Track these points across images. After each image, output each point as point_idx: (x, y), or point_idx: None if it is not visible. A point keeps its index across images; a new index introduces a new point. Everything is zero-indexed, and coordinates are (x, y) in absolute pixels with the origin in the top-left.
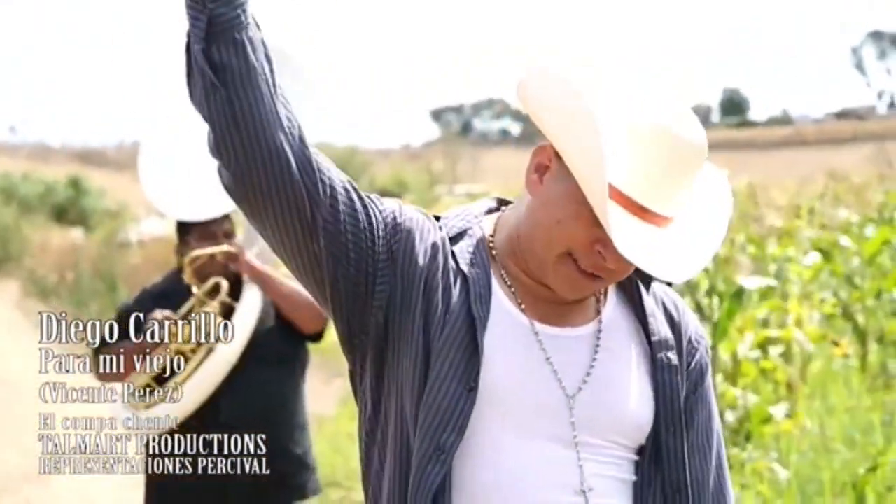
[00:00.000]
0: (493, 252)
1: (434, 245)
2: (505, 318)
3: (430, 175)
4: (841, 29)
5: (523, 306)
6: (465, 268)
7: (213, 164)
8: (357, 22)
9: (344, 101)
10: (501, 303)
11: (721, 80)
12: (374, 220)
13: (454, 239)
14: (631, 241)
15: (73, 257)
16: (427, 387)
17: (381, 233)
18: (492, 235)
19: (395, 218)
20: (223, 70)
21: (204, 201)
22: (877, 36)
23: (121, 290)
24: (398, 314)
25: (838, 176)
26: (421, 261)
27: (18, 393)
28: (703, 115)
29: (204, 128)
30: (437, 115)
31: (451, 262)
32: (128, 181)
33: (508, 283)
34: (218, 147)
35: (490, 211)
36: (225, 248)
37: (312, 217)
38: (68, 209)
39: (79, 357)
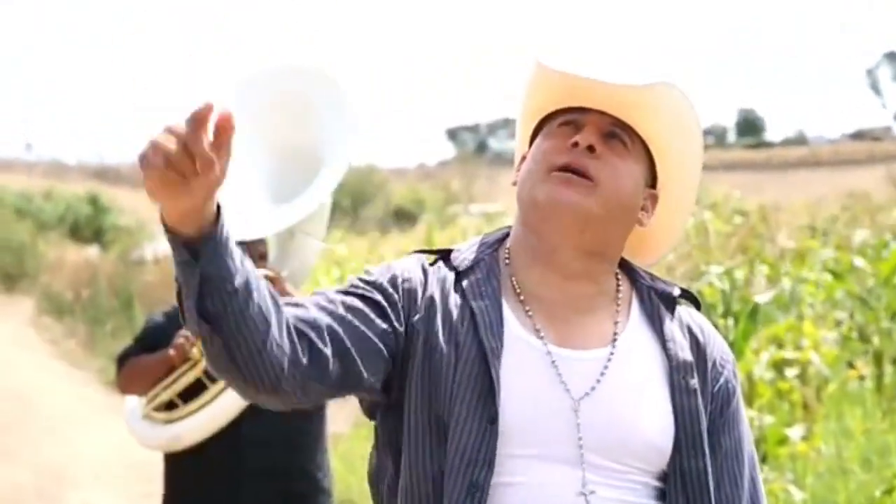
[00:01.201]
0: (508, 261)
1: (430, 297)
2: (518, 346)
3: (446, 194)
4: (841, 29)
5: (538, 327)
6: (473, 303)
7: (248, 185)
8: (357, 22)
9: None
10: (514, 330)
11: (737, 101)
12: (391, 332)
13: (466, 272)
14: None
15: (89, 274)
16: (450, 430)
17: (399, 324)
18: (507, 248)
19: (396, 292)
20: (217, 319)
21: (245, 222)
22: (892, 57)
23: (136, 308)
24: (407, 368)
25: (854, 197)
26: (421, 313)
27: (33, 408)
28: (719, 135)
29: (239, 149)
30: (453, 134)
31: (456, 300)
32: (144, 198)
33: (522, 297)
34: (218, 372)
35: (508, 236)
36: (263, 271)
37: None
38: (84, 226)
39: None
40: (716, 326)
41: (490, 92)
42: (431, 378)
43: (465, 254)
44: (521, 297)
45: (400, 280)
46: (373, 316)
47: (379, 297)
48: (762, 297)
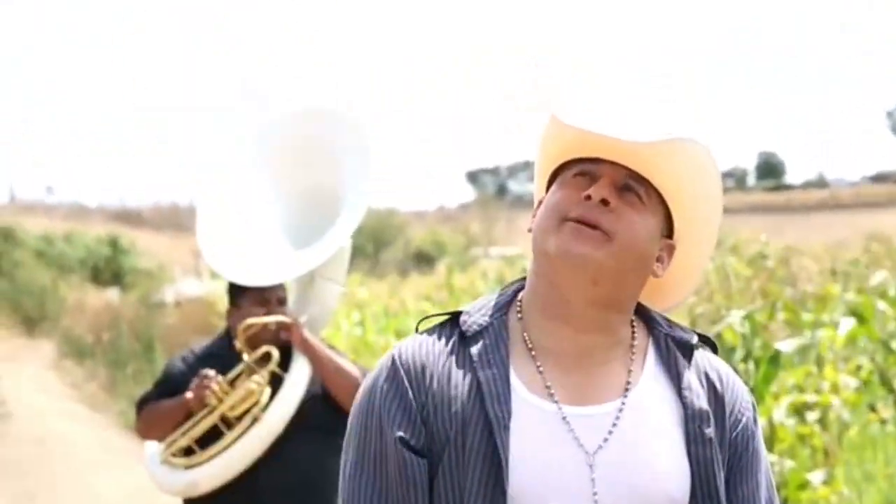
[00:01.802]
0: (520, 315)
1: (434, 391)
2: (528, 411)
3: (466, 237)
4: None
5: (549, 386)
6: (480, 373)
7: (267, 230)
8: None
9: (381, 161)
10: (523, 395)
11: (757, 143)
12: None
13: (473, 337)
14: (582, 116)
15: (110, 317)
16: (465, 502)
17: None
18: (519, 301)
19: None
20: None
21: (262, 267)
22: None
23: (157, 351)
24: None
25: (875, 239)
26: (431, 411)
27: (53, 452)
28: (740, 178)
29: (260, 192)
30: (473, 176)
31: (461, 374)
32: (164, 241)
33: (533, 353)
34: None
35: (520, 290)
36: (281, 318)
37: None
38: (105, 269)
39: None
40: (736, 371)
41: (510, 133)
42: (449, 456)
43: (474, 317)
44: (533, 353)
45: (417, 421)
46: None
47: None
48: (783, 343)
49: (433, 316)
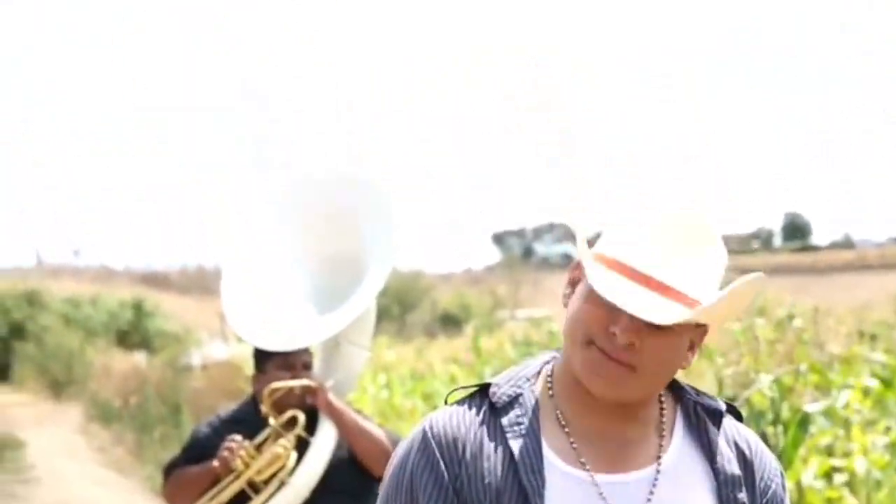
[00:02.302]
0: (552, 391)
1: (468, 462)
2: (562, 480)
3: (493, 299)
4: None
5: (582, 458)
6: (512, 443)
7: (292, 294)
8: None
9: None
10: (557, 465)
11: (783, 204)
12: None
13: (504, 408)
14: (612, 285)
15: (137, 381)
16: None
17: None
18: (550, 376)
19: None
20: None
21: (288, 332)
22: None
23: (184, 415)
24: None
25: None
26: (465, 482)
27: None
28: (766, 239)
29: (284, 257)
30: (499, 238)
31: (493, 445)
32: (191, 304)
33: (566, 429)
34: None
35: (548, 363)
36: (306, 382)
37: None
38: (131, 332)
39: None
40: (765, 435)
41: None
42: None
43: (503, 388)
44: (566, 429)
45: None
46: None
47: None
48: (811, 406)
49: (462, 388)
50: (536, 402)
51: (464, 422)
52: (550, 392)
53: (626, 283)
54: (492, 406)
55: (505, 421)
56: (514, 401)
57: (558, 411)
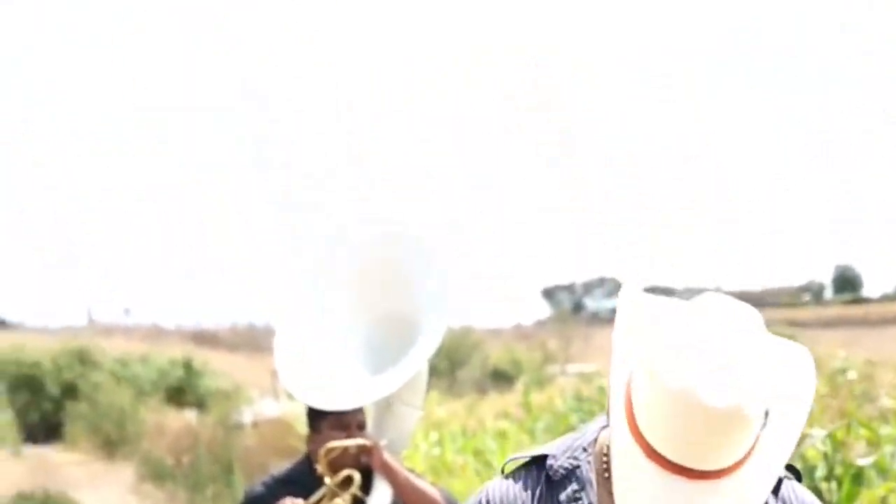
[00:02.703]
0: (607, 474)
1: None
2: None
3: (543, 354)
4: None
5: None
6: None
7: (344, 354)
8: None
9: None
10: None
11: (834, 256)
12: None
13: (561, 482)
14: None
15: (189, 440)
16: None
17: None
18: (605, 454)
19: None
20: None
21: (341, 392)
22: None
23: (236, 473)
24: None
25: None
26: None
27: None
28: (816, 292)
29: (337, 316)
30: (549, 293)
31: None
32: (241, 362)
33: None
34: None
35: (604, 427)
36: (361, 441)
37: None
38: (183, 391)
39: None
40: (819, 490)
41: (587, 251)
42: None
43: (560, 461)
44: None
45: None
46: None
47: None
48: (864, 459)
49: (518, 457)
50: (593, 473)
51: (520, 496)
52: (606, 473)
53: (676, 483)
54: (548, 479)
55: (563, 497)
56: (570, 474)
57: (613, 481)
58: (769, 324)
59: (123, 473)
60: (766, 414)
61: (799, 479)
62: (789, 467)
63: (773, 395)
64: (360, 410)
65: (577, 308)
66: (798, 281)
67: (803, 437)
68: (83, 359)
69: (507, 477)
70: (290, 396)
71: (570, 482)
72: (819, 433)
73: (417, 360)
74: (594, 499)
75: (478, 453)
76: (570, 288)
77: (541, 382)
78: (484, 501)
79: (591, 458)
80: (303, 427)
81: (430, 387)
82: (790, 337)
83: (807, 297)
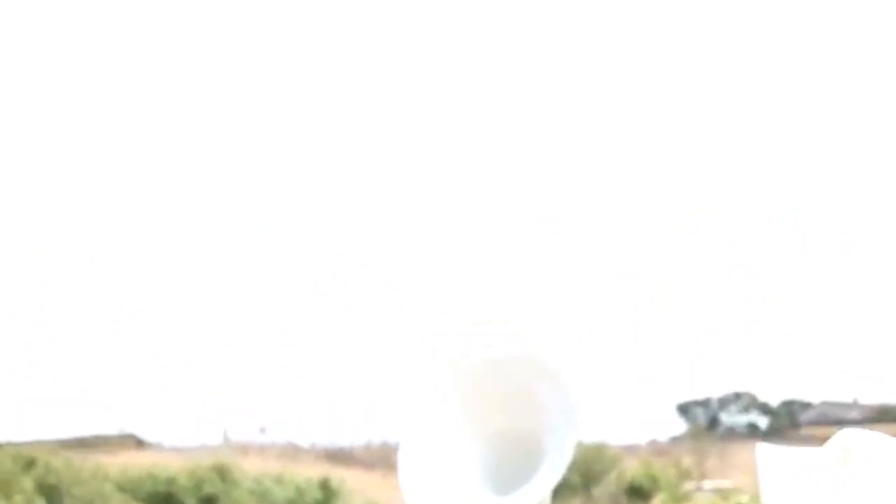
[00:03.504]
0: None
1: None
2: None
3: (679, 471)
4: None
5: None
6: None
7: (465, 477)
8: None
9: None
10: None
11: None
12: None
13: None
14: None
15: None
16: None
17: None
18: None
19: None
20: None
21: None
22: None
23: None
24: None
25: None
26: None
27: None
28: None
29: (462, 437)
30: (684, 409)
31: None
32: (376, 480)
33: None
34: None
35: None
36: None
37: None
38: None
39: None
40: None
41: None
42: None
43: None
44: None
45: None
46: None
47: None
48: None
49: None
50: None
51: None
52: None
53: None
54: None
55: None
56: None
57: None
58: None
59: None
60: None
61: None
62: None
63: None
64: None
65: (713, 424)
66: None
67: None
68: (222, 475)
69: None
70: None
71: None
72: None
73: (546, 482)
74: None
75: None
76: (705, 403)
77: (677, 499)
78: None
79: None
80: None
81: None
82: None
83: None
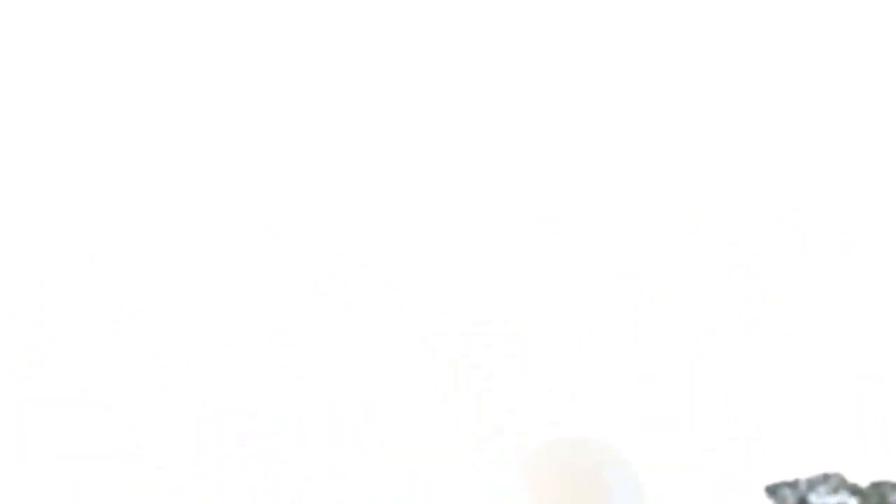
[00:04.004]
0: None
1: None
2: None
3: None
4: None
5: None
6: None
7: None
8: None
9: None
10: None
11: None
12: None
13: None
14: None
15: None
16: None
17: None
18: None
19: None
20: None
21: None
22: None
23: None
24: None
25: None
26: None
27: None
28: None
29: None
30: (773, 490)
31: None
32: None
33: None
34: None
35: None
36: None
37: None
38: None
39: None
40: None
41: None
42: None
43: None
44: None
45: None
46: None
47: None
48: None
49: None
50: None
51: None
52: None
53: None
54: None
55: None
56: None
57: None
58: None
59: None
60: None
61: None
62: None
63: None
64: None
65: None
66: None
67: None
68: None
69: None
70: None
71: None
72: None
73: None
74: None
75: None
76: (793, 485)
77: None
78: None
79: None
80: None
81: None
82: None
83: None
